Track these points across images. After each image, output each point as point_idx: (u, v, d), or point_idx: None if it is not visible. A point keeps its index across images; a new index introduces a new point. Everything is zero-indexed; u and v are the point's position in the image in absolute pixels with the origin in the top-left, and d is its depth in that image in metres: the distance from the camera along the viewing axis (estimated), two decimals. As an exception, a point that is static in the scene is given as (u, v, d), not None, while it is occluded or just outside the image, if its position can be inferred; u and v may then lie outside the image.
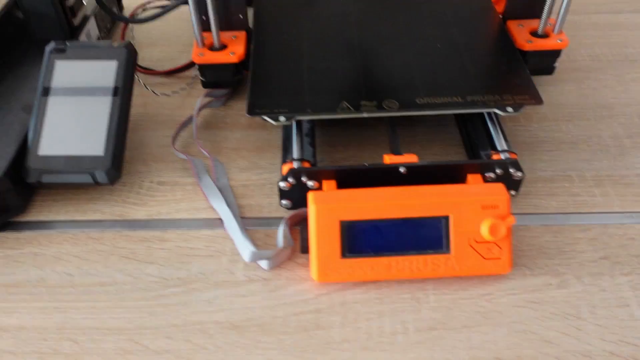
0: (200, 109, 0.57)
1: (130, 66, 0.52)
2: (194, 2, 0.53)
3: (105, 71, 0.52)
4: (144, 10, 0.73)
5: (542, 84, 0.61)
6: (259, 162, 0.54)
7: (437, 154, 0.53)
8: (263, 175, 0.52)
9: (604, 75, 0.62)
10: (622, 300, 0.42)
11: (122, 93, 0.51)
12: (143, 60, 0.67)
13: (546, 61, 0.58)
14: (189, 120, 0.57)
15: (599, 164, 0.52)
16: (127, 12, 0.74)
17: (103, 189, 0.52)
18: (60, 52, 0.52)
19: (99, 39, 0.67)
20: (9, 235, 0.48)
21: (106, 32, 0.69)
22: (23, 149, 0.49)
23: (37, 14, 0.59)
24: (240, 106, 0.60)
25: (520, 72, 0.51)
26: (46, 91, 0.51)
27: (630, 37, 0.68)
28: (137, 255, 0.46)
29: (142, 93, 0.61)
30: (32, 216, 0.50)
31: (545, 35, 0.57)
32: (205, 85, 0.59)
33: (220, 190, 0.50)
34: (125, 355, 0.40)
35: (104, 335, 0.41)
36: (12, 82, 0.56)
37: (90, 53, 0.52)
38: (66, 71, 0.52)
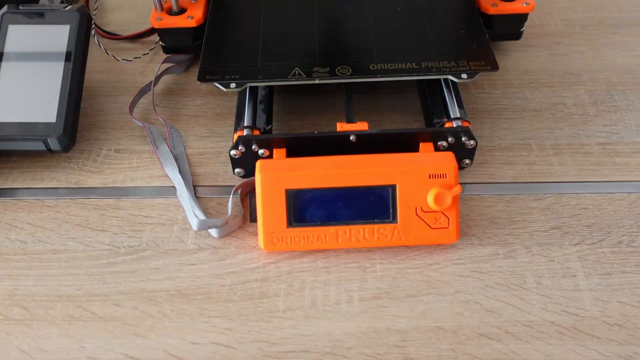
0: (159, 76, 0.57)
1: (83, 31, 0.51)
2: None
3: (58, 36, 0.51)
4: (110, -28, 0.71)
5: (511, 49, 0.59)
6: (217, 129, 0.53)
7: (397, 122, 0.53)
8: (220, 144, 0.52)
9: (575, 40, 0.61)
10: (569, 271, 0.42)
11: (75, 58, 0.50)
12: (109, 24, 0.66)
13: (512, 26, 0.56)
14: (148, 86, 0.56)
15: (560, 132, 0.51)
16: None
17: (60, 157, 0.51)
18: (14, 16, 0.51)
19: (62, 3, 0.66)
20: (-36, 203, 0.48)
21: (70, -6, 0.67)
22: (-24, 117, 0.49)
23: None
24: (202, 72, 0.59)
25: (479, 37, 0.50)
26: (-1, 57, 0.50)
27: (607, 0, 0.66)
28: (90, 223, 0.46)
29: (105, 59, 0.60)
30: (-12, 184, 0.50)
31: (511, -1, 0.56)
32: (165, 50, 0.58)
33: (176, 158, 0.50)
34: (72, 321, 0.40)
35: (53, 302, 0.42)
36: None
37: (43, 18, 0.51)
38: (19, 36, 0.51)
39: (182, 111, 0.55)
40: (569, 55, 0.59)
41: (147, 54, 0.61)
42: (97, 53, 0.61)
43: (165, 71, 0.58)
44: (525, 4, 0.55)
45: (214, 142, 0.52)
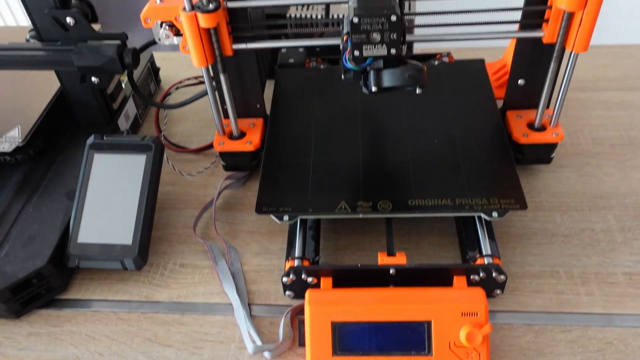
0: (220, 192, 0.64)
1: (157, 160, 0.59)
2: (214, 95, 0.60)
3: (135, 165, 0.58)
4: (178, 88, 0.80)
5: (542, 169, 0.63)
6: (270, 246, 0.59)
7: (435, 249, 0.57)
8: (273, 261, 0.58)
9: (605, 160, 0.64)
10: (593, 406, 0.45)
11: (150, 185, 0.57)
12: (175, 135, 0.74)
13: (543, 153, 0.61)
14: (210, 203, 0.63)
15: (588, 260, 0.55)
16: (164, 84, 0.82)
17: (133, 271, 0.58)
18: (98, 146, 0.59)
19: (136, 116, 0.74)
20: (52, 313, 0.55)
21: (143, 108, 0.76)
22: (65, 236, 0.56)
23: (81, 103, 0.67)
24: (257, 187, 0.65)
25: (509, 173, 0.55)
26: (86, 182, 0.58)
27: (638, 117, 0.69)
28: (157, 338, 0.53)
29: (172, 171, 0.68)
30: (71, 294, 0.57)
31: (542, 128, 0.60)
32: (226, 168, 0.65)
33: (233, 275, 0.56)
34: None
35: (126, 413, 0.48)
36: (59, 166, 0.64)
37: (123, 147, 0.59)
38: (102, 164, 0.59)
39: (239, 227, 0.62)
40: (598, 177, 0.62)
41: (209, 167, 0.68)
42: (165, 165, 0.68)
43: (225, 187, 0.65)
44: (555, 134, 0.59)
45: (267, 260, 0.58)
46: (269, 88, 0.69)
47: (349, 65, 0.49)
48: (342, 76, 0.51)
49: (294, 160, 0.58)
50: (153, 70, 0.79)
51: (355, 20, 0.45)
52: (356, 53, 0.47)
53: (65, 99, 0.67)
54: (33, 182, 0.61)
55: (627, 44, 0.81)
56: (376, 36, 0.46)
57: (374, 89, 0.49)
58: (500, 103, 0.64)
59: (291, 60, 0.72)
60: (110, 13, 1.40)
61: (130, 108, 0.73)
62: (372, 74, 0.49)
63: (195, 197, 0.65)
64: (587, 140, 0.67)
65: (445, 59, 0.71)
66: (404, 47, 0.49)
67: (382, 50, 0.47)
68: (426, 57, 0.72)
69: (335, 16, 0.73)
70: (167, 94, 0.78)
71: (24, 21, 0.57)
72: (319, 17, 0.73)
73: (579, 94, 0.73)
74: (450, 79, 0.66)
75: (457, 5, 0.54)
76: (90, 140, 0.60)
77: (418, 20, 0.54)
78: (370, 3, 0.46)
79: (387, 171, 0.56)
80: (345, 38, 0.48)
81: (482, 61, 0.68)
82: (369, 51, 0.47)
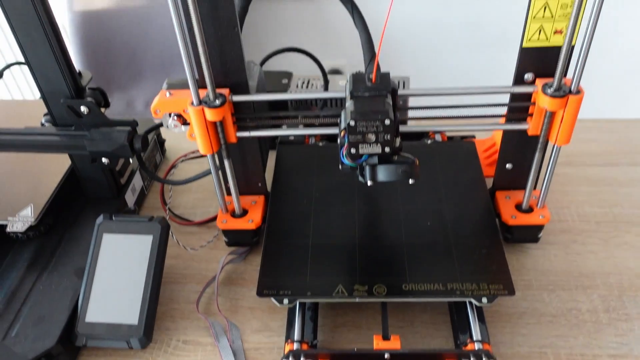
0: (222, 268, 0.66)
1: (163, 239, 0.62)
2: (217, 176, 0.63)
3: (142, 245, 0.61)
4: (183, 160, 0.83)
5: (531, 247, 0.66)
6: (270, 323, 0.61)
7: (427, 327, 0.59)
8: (273, 339, 0.60)
9: (590, 238, 0.67)
10: None
11: (156, 265, 0.60)
12: (179, 206, 0.77)
13: (530, 233, 0.64)
14: (213, 279, 0.65)
15: (574, 341, 0.57)
16: (169, 154, 0.86)
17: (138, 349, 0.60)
18: (107, 226, 0.62)
19: (142, 188, 0.77)
20: (58, 391, 0.57)
21: (149, 180, 0.79)
22: (73, 315, 0.58)
23: (90, 180, 0.70)
24: (257, 261, 0.68)
25: (498, 258, 0.58)
26: (94, 262, 0.61)
27: (622, 194, 0.72)
28: (161, 418, 0.54)
29: (175, 244, 0.71)
30: (77, 372, 0.59)
31: (529, 210, 0.63)
32: (228, 244, 0.68)
33: (235, 353, 0.58)
34: None
35: None
36: (68, 243, 0.66)
37: (131, 228, 0.62)
38: (111, 244, 0.62)
39: (240, 302, 0.64)
40: (583, 255, 0.65)
41: (211, 241, 0.71)
42: (169, 238, 0.71)
43: (227, 262, 0.67)
44: (541, 216, 0.62)
45: (268, 337, 0.60)
46: (271, 158, 0.72)
47: (346, 161, 0.52)
48: (340, 166, 0.54)
49: (293, 242, 0.61)
50: (159, 142, 0.83)
51: (352, 123, 0.49)
52: (353, 151, 0.51)
53: (75, 175, 0.70)
54: (43, 259, 0.64)
55: (611, 118, 0.85)
56: (371, 136, 0.50)
57: (369, 183, 0.52)
58: (490, 181, 0.67)
59: (291, 137, 0.76)
60: (116, 71, 1.46)
61: (137, 181, 0.76)
62: (367, 169, 0.52)
63: (197, 270, 0.68)
64: (573, 216, 0.70)
65: (438, 137, 0.75)
66: (398, 139, 0.53)
67: (376, 149, 0.51)
68: (420, 135, 0.75)
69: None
70: (173, 166, 0.82)
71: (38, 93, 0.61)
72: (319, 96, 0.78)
73: (566, 169, 0.76)
74: (443, 159, 0.69)
75: (447, 100, 0.58)
76: (100, 220, 0.63)
77: (411, 113, 0.58)
78: (366, 106, 0.50)
79: (382, 254, 0.59)
80: (342, 134, 0.52)
81: (472, 142, 0.71)
82: (364, 149, 0.51)
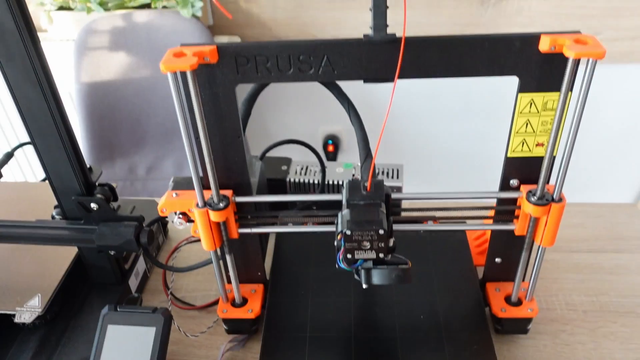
0: (222, 355, 0.68)
1: (166, 331, 0.63)
2: (219, 267, 0.65)
3: (145, 336, 0.63)
4: (186, 244, 0.86)
5: (521, 337, 0.69)
6: (268, 415, 0.63)
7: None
8: None
9: (578, 328, 0.70)
10: None
11: (158, 356, 0.62)
12: (180, 289, 0.79)
13: (519, 325, 0.66)
14: (213, 369, 0.67)
15: None
16: (172, 233, 0.88)
17: None
18: (112, 317, 0.64)
19: (145, 272, 0.80)
20: None
21: (152, 264, 0.82)
22: (76, 409, 0.60)
23: (96, 267, 0.72)
24: (256, 348, 0.70)
25: (488, 355, 0.60)
26: (99, 353, 0.62)
27: (608, 282, 0.75)
28: None
29: (176, 330, 0.72)
30: None
31: (518, 302, 0.66)
32: (227, 332, 0.70)
33: None
34: None
35: None
36: (72, 331, 0.68)
37: (135, 319, 0.64)
38: (115, 335, 0.63)
39: (239, 392, 0.66)
40: (571, 346, 0.67)
41: (211, 327, 0.73)
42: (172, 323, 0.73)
43: (227, 350, 0.69)
44: (530, 309, 0.65)
45: None
46: (270, 241, 0.75)
47: (342, 265, 0.55)
48: (337, 266, 0.57)
49: (291, 335, 0.64)
50: (162, 224, 0.86)
51: (348, 232, 0.52)
52: (349, 256, 0.54)
53: (81, 261, 0.73)
54: (48, 349, 0.66)
55: (597, 202, 0.89)
56: (366, 244, 0.53)
57: (364, 285, 0.55)
58: (480, 270, 0.70)
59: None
60: (120, 137, 1.50)
61: (140, 265, 0.79)
62: (362, 273, 0.55)
63: (198, 357, 0.70)
64: (561, 305, 0.73)
65: (430, 222, 0.78)
66: (392, 239, 0.56)
67: (371, 255, 0.54)
68: (414, 220, 0.79)
69: (332, 182, 0.81)
70: (176, 249, 0.84)
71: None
72: (317, 182, 0.81)
73: (553, 255, 0.79)
74: (435, 249, 0.72)
75: (438, 203, 0.62)
76: (105, 311, 0.65)
77: (404, 212, 0.61)
78: (361, 216, 0.53)
79: (377, 347, 0.61)
80: (339, 237, 0.55)
81: (463, 232, 0.75)
82: (360, 255, 0.54)
